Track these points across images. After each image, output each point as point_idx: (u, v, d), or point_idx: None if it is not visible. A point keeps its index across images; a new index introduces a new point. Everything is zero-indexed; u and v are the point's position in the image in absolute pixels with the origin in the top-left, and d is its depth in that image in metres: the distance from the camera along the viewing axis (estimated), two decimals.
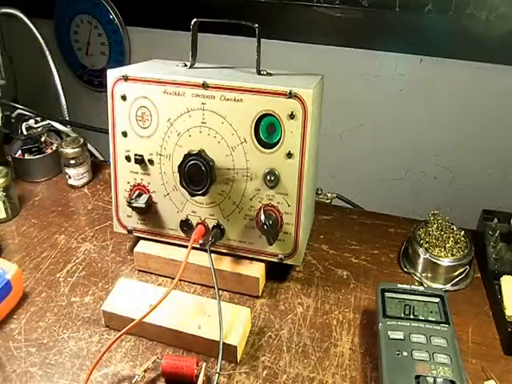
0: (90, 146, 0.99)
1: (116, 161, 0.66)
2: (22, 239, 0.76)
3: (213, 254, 0.63)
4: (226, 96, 0.58)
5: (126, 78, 0.62)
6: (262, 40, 0.62)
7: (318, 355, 0.57)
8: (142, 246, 0.69)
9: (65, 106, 1.11)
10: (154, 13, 1.30)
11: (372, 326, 0.60)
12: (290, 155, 0.58)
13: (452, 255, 0.66)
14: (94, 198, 0.87)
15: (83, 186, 0.91)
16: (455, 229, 0.70)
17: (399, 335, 0.52)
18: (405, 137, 1.22)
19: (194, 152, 0.58)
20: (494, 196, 1.17)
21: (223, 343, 0.54)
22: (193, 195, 0.61)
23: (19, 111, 0.95)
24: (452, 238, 0.68)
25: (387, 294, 0.58)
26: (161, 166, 0.64)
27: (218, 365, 0.52)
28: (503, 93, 1.08)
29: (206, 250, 0.62)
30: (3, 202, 0.79)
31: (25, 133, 0.94)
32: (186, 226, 0.65)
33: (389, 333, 0.53)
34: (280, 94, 0.56)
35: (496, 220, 0.73)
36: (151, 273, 0.69)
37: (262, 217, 0.59)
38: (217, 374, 0.51)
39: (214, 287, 0.57)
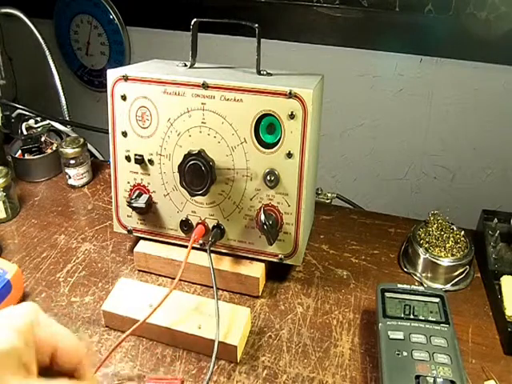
0: (90, 146, 0.99)
1: (116, 161, 0.66)
2: (22, 239, 0.76)
3: (213, 254, 0.63)
4: (226, 96, 0.58)
5: (126, 78, 0.62)
6: (262, 40, 0.62)
7: (318, 355, 0.57)
8: (142, 246, 0.69)
9: (65, 106, 1.11)
10: (154, 13, 1.30)
11: (372, 326, 0.60)
12: (290, 155, 0.58)
13: (452, 255, 0.66)
14: (94, 197, 0.87)
15: (83, 185, 0.91)
16: (455, 229, 0.70)
17: (399, 335, 0.52)
18: (405, 137, 1.22)
19: (194, 152, 0.58)
20: (493, 196, 1.17)
21: (224, 343, 0.54)
22: (193, 195, 0.61)
23: (19, 111, 0.95)
24: (452, 238, 0.68)
25: (387, 294, 0.58)
26: (161, 165, 0.64)
27: (212, 363, 0.51)
28: (503, 93, 1.08)
29: (205, 250, 0.62)
30: (3, 202, 0.79)
31: (25, 133, 0.94)
32: (185, 226, 0.65)
33: (389, 333, 0.53)
34: (280, 94, 0.56)
35: (496, 220, 0.73)
36: (151, 273, 0.69)
37: (262, 217, 0.59)
38: (209, 373, 0.51)
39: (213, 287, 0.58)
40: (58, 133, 0.98)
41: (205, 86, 0.58)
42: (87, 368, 0.37)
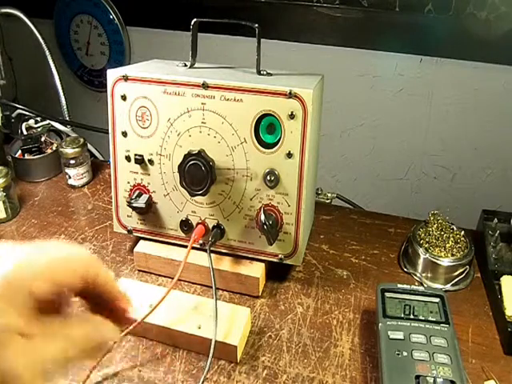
0: (90, 146, 0.99)
1: (116, 161, 0.66)
2: (22, 239, 0.76)
3: (213, 254, 0.63)
4: (226, 96, 0.58)
5: (126, 78, 0.62)
6: (262, 40, 0.62)
7: (318, 355, 0.57)
8: (142, 246, 0.69)
9: (65, 106, 1.11)
10: (154, 13, 1.30)
11: (372, 326, 0.60)
12: (290, 155, 0.58)
13: (452, 255, 0.66)
14: (94, 197, 0.87)
15: (83, 185, 0.91)
16: (455, 229, 0.70)
17: (399, 335, 0.52)
18: (405, 137, 1.22)
19: (194, 152, 0.58)
20: (493, 196, 1.17)
21: (224, 343, 0.54)
22: (193, 195, 0.61)
23: (19, 111, 0.95)
24: (452, 238, 0.68)
25: (387, 294, 0.58)
26: (161, 166, 0.64)
27: (208, 363, 0.51)
28: (503, 93, 1.08)
29: (205, 250, 0.62)
30: (3, 202, 0.79)
31: (25, 133, 0.94)
32: (186, 226, 0.65)
33: (389, 333, 0.53)
34: (280, 94, 0.56)
35: (496, 220, 0.73)
36: (151, 273, 0.69)
37: (262, 217, 0.59)
38: (205, 371, 0.51)
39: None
40: (58, 133, 0.98)
41: (205, 86, 0.58)
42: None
